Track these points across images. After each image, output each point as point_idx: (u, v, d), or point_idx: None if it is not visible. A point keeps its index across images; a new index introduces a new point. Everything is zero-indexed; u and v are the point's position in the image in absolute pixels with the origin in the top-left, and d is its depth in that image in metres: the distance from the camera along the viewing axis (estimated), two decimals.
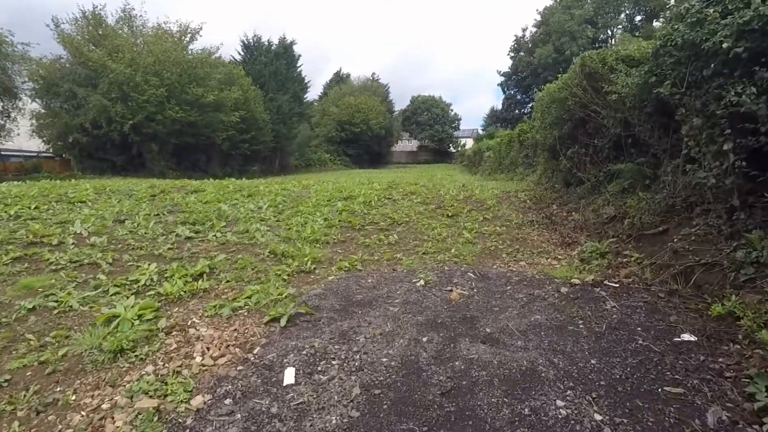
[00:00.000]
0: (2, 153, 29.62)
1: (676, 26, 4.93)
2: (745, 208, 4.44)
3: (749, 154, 4.23)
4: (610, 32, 54.39)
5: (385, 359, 3.11)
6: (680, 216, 5.34)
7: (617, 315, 3.81)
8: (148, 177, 23.14)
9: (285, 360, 3.14)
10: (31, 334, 3.54)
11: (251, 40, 44.96)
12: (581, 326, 3.59)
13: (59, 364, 3.12)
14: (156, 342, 3.43)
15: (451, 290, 4.54)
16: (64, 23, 26.63)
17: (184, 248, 5.93)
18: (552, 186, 11.62)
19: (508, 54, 55.86)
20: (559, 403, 2.56)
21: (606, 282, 4.69)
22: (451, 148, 66.00)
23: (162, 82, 26.51)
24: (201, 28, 31.94)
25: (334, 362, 3.09)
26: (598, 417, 2.44)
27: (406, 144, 70.11)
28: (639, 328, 3.52)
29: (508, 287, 4.66)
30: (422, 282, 4.71)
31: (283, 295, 4.31)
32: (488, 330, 3.54)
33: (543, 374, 2.85)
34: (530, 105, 48.17)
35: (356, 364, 3.06)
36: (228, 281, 4.82)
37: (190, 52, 31.13)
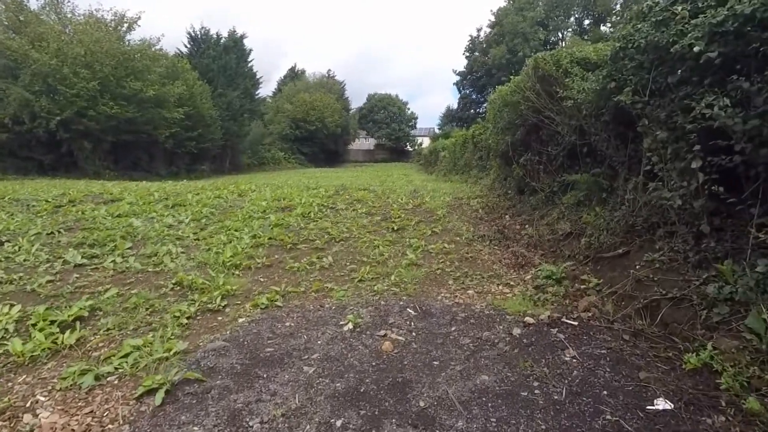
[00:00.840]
0: None
1: (638, 26, 4.37)
2: (714, 233, 3.94)
3: (721, 174, 3.71)
4: (560, 35, 55.77)
5: None
6: (641, 238, 4.81)
7: (578, 371, 3.15)
8: (80, 178, 21.17)
9: None
10: None
11: (198, 33, 42.77)
12: (537, 392, 2.90)
13: None
14: None
15: (384, 335, 3.77)
16: None
17: (68, 280, 4.85)
18: (505, 192, 11.15)
19: (464, 54, 56.17)
20: None
21: (564, 319, 4.06)
22: (408, 147, 65.75)
23: (94, 75, 24.32)
24: (139, 18, 29.69)
25: None
26: None
27: (363, 142, 69.28)
28: (605, 392, 2.87)
29: (453, 328, 3.94)
30: (350, 325, 3.91)
31: (172, 352, 3.39)
32: (422, 403, 2.78)
33: None
34: (485, 105, 48.63)
35: None
36: (108, 330, 3.83)
37: (127, 43, 28.89)
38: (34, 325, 3.77)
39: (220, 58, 42.21)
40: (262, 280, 5.15)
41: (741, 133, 3.34)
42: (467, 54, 55.77)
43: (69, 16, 27.11)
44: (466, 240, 6.96)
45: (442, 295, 4.80)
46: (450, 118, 57.97)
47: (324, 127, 50.15)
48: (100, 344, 3.60)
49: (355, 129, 61.39)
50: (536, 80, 6.72)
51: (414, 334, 3.82)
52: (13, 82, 22.69)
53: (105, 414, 2.74)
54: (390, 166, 49.61)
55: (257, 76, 48.43)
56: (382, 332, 3.81)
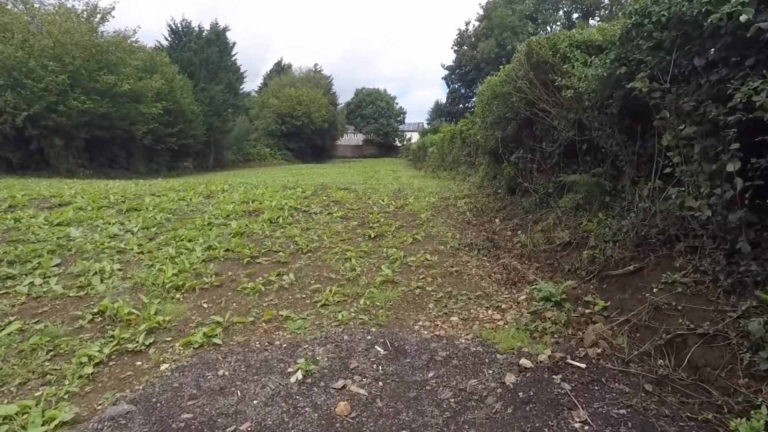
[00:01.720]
0: None
1: None
2: (756, 253, 3.17)
3: (765, 180, 2.93)
4: (549, 29, 55.11)
5: None
6: (657, 253, 4.04)
7: None
8: (52, 176, 20.05)
9: None
10: None
11: (179, 25, 41.48)
12: None
13: None
14: None
15: (342, 387, 2.95)
16: None
17: None
18: (494, 192, 10.39)
19: (452, 47, 55.30)
20: None
21: (569, 360, 3.27)
22: (397, 142, 64.85)
23: (64, 68, 23.08)
24: (113, 8, 28.33)
25: None
26: None
27: (351, 138, 68.22)
28: None
29: (431, 374, 3.13)
30: (300, 374, 3.07)
31: (53, 425, 2.53)
32: None
33: None
34: (474, 99, 47.86)
35: None
36: None
37: (100, 34, 27.57)
38: None
39: (202, 52, 41.09)
40: (205, 305, 4.29)
41: None
42: (456, 48, 54.88)
43: (37, 6, 25.75)
44: (452, 249, 6.16)
45: (420, 323, 3.98)
46: (439, 112, 57.12)
47: (311, 123, 49.05)
48: None
49: (342, 124, 60.29)
50: (529, 68, 5.91)
51: (381, 384, 3.00)
52: None
53: None
54: (378, 161, 48.71)
55: (241, 70, 47.25)
56: (340, 383, 2.98)
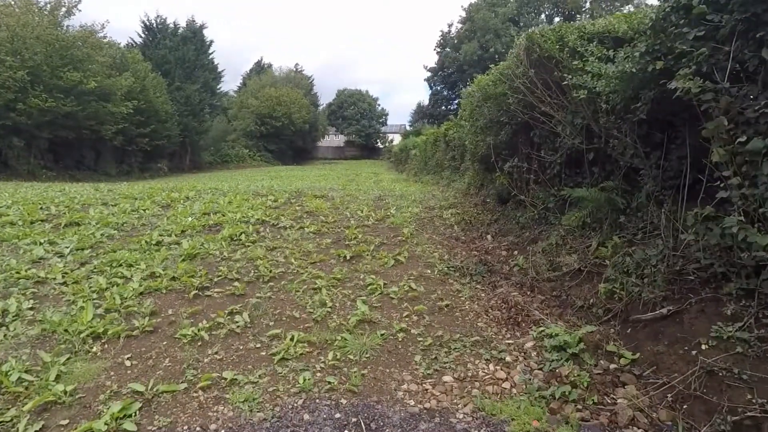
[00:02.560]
0: None
1: None
2: None
3: None
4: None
5: None
6: (699, 295, 3.24)
7: None
8: (10, 179, 18.52)
9: None
10: None
11: (154, 21, 39.96)
12: None
13: None
14: None
15: None
16: None
17: None
18: (483, 201, 9.62)
19: (435, 49, 54.80)
20: None
21: None
22: (379, 144, 64.04)
23: (23, 63, 21.59)
24: (79, 1, 26.82)
25: None
26: None
27: (333, 139, 67.16)
28: None
29: None
30: None
31: None
32: None
33: None
34: (456, 102, 47.35)
35: None
36: None
37: (65, 29, 26.03)
38: None
39: (178, 49, 39.80)
40: (128, 363, 3.32)
41: None
42: (438, 50, 54.40)
43: None
44: (440, 274, 5.31)
45: (405, 387, 3.10)
46: (421, 114, 56.49)
47: (291, 124, 47.83)
48: None
49: (324, 125, 59.17)
50: (529, 65, 5.10)
51: None
52: None
53: None
54: (360, 163, 47.82)
55: (219, 69, 45.87)
56: None
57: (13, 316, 3.88)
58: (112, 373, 3.18)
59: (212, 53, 43.96)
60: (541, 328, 3.82)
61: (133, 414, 2.72)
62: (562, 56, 4.49)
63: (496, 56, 43.81)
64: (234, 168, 42.27)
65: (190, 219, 7.41)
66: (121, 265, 5.16)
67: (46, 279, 4.72)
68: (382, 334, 3.79)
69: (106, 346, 3.55)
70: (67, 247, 5.65)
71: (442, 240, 6.86)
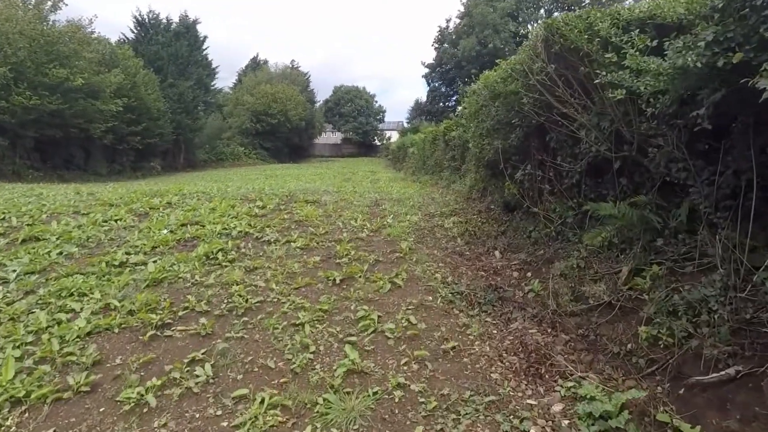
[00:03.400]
0: None
1: None
2: None
3: None
4: (530, 27, 54.20)
5: None
6: None
7: None
8: None
9: None
10: None
11: (146, 17, 39.07)
12: None
13: None
14: None
15: None
16: None
17: None
18: (487, 208, 8.91)
19: (433, 45, 53.93)
20: None
21: None
22: (376, 141, 63.27)
23: (5, 59, 20.78)
24: None
25: None
26: None
27: (330, 136, 66.35)
28: None
29: None
30: None
31: None
32: None
33: None
34: (455, 98, 46.53)
35: None
36: None
37: (51, 24, 25.15)
38: None
39: (170, 45, 38.93)
40: None
41: None
42: (436, 45, 53.48)
43: None
44: (443, 303, 4.58)
45: None
46: (419, 111, 55.67)
47: (287, 121, 46.99)
48: None
49: (320, 122, 58.33)
50: (548, 59, 4.35)
51: None
52: None
53: None
54: (357, 161, 47.04)
55: (213, 66, 44.91)
56: None
57: None
58: None
59: (206, 49, 43.09)
60: (570, 384, 3.11)
61: None
62: (591, 48, 3.74)
63: (496, 51, 43.30)
64: (229, 166, 41.51)
65: (164, 232, 6.66)
66: (71, 294, 4.41)
67: None
68: (374, 393, 3.06)
69: (26, 415, 2.81)
70: (14, 271, 4.91)
71: (444, 256, 6.14)
